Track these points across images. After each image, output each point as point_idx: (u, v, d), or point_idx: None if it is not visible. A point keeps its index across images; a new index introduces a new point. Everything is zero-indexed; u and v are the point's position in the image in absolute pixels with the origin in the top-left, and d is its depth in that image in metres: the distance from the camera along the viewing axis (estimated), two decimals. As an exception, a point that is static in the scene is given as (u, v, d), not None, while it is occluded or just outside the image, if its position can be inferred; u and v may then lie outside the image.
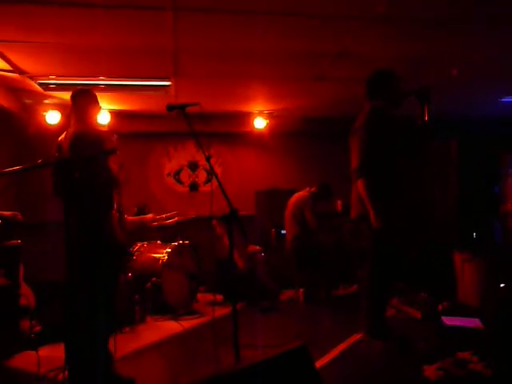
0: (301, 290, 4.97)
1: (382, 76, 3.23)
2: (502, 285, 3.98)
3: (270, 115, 5.93)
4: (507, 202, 5.28)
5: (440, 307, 4.07)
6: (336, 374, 2.77)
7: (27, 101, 5.14)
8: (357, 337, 3.44)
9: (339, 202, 5.73)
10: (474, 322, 3.61)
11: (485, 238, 5.64)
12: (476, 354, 2.77)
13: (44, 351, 3.09)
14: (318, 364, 2.78)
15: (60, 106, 5.29)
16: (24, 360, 3.07)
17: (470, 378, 2.52)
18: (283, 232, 5.31)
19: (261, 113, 5.89)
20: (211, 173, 2.56)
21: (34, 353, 2.93)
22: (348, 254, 5.06)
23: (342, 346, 3.28)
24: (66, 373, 2.45)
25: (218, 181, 2.43)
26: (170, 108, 2.53)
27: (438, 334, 3.44)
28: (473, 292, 4.28)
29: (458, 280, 4.51)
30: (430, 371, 2.60)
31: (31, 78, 4.26)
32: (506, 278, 4.00)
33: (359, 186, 3.08)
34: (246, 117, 5.94)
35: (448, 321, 3.69)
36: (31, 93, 4.78)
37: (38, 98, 5.03)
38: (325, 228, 5.03)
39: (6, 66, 3.90)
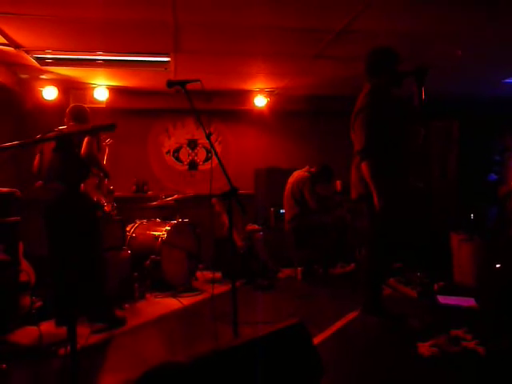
0: (299, 268, 5.01)
1: (382, 53, 3.18)
2: (497, 265, 4.02)
3: (270, 93, 5.87)
4: (508, 182, 5.25)
5: (436, 287, 4.12)
6: (332, 351, 2.82)
7: (23, 76, 5.05)
8: (354, 314, 3.49)
9: (338, 182, 5.72)
10: (468, 302, 3.67)
11: (482, 220, 5.67)
12: (469, 331, 2.81)
13: (45, 326, 3.13)
14: (316, 341, 2.83)
15: (57, 82, 5.21)
16: (25, 335, 3.10)
17: (463, 354, 2.56)
18: (282, 211, 5.32)
19: (261, 91, 5.82)
20: (211, 151, 2.56)
21: (35, 328, 2.97)
22: (346, 234, 5.08)
23: (338, 324, 3.32)
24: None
25: (218, 158, 2.42)
26: (170, 84, 2.50)
27: (432, 312, 3.49)
28: (469, 272, 4.33)
29: (455, 260, 4.55)
30: (424, 348, 2.64)
31: (27, 52, 4.17)
32: (502, 259, 4.04)
33: (363, 168, 3.08)
34: (247, 95, 5.88)
35: (442, 299, 3.74)
36: (27, 67, 4.70)
37: (35, 73, 4.94)
38: (324, 208, 5.03)
39: (2, 40, 3.82)
